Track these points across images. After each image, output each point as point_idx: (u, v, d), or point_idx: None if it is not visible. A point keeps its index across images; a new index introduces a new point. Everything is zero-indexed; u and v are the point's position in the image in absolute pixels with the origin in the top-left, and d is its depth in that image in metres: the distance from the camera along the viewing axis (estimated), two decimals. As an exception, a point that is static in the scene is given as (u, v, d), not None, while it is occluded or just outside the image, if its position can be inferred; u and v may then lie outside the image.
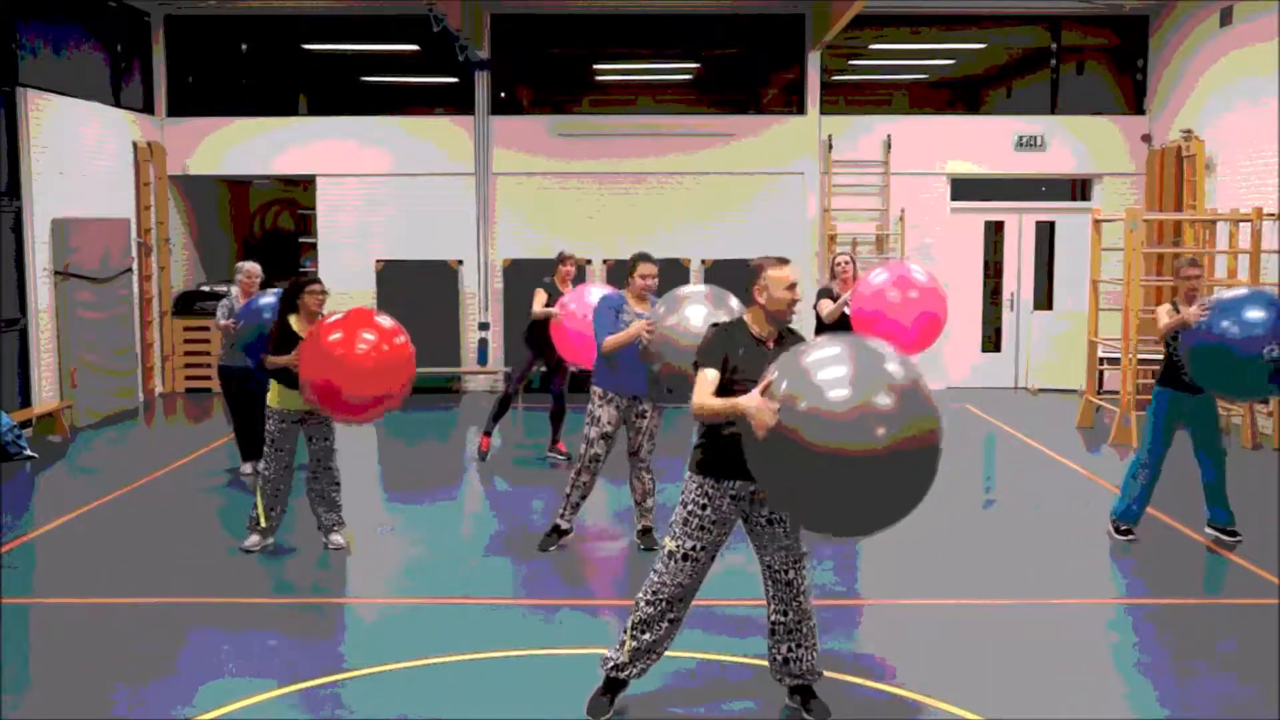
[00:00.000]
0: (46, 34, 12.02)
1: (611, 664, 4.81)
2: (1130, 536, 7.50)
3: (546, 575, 6.93)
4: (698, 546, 4.67)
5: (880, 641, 5.89)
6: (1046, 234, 14.55)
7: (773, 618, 4.83)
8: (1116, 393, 11.91)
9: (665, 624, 4.76)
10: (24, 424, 10.75)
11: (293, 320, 7.15)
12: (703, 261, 14.06)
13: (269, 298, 8.45)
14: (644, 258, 7.25)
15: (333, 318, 6.80)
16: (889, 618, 6.27)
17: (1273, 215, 11.09)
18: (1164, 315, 7.34)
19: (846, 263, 8.90)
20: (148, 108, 14.06)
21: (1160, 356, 7.57)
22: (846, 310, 8.76)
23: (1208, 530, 7.59)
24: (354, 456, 11.03)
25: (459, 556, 7.51)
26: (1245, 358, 6.68)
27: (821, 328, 8.88)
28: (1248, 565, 7.06)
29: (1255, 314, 6.74)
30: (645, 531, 7.36)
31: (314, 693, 5.18)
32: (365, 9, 14.18)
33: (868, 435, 3.87)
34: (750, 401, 4.18)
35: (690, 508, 4.68)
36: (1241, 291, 7.11)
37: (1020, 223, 14.58)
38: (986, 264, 14.63)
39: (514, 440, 11.10)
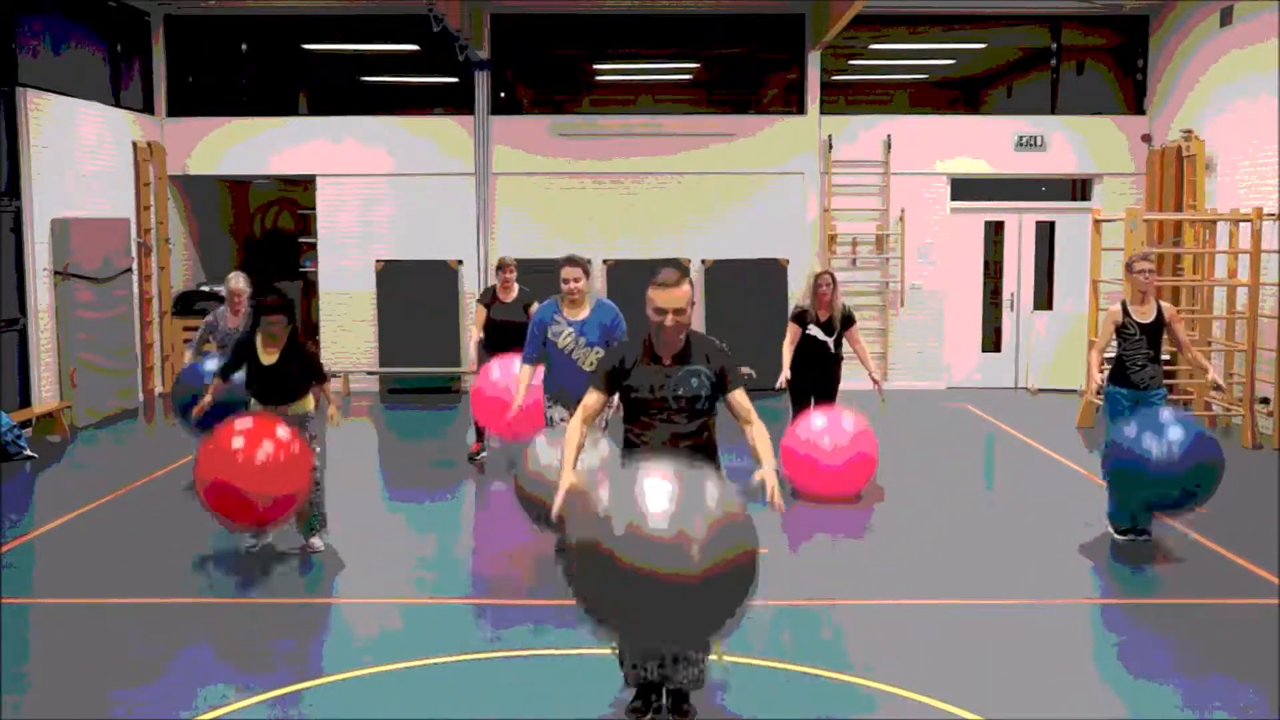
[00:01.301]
0: (46, 33, 12.02)
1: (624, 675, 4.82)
2: (1128, 537, 7.49)
3: (546, 575, 6.92)
4: None
5: (880, 641, 5.89)
6: (1046, 234, 14.55)
7: None
8: (1116, 393, 11.89)
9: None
10: (24, 424, 10.75)
11: (258, 340, 7.19)
12: (703, 261, 14.07)
13: (212, 364, 8.37)
14: (566, 260, 7.29)
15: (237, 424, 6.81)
16: (888, 618, 6.27)
17: (1273, 215, 11.09)
18: (1108, 324, 7.54)
19: (828, 283, 8.89)
20: (147, 107, 14.06)
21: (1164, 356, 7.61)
22: (819, 335, 8.82)
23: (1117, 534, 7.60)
24: (354, 456, 11.04)
25: (458, 556, 7.51)
26: (1160, 476, 6.85)
27: (807, 337, 8.91)
28: (1248, 565, 7.06)
29: (1174, 434, 6.89)
30: None
31: (314, 693, 5.18)
32: (365, 9, 14.18)
33: (683, 560, 3.84)
34: (564, 483, 4.56)
35: None
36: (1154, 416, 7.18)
37: (1020, 223, 14.58)
38: (986, 264, 14.63)
39: (512, 440, 11.08)
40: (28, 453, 10.26)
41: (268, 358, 7.19)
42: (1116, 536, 7.51)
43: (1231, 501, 7.51)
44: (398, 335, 14.11)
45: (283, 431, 6.77)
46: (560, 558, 7.32)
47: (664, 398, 4.63)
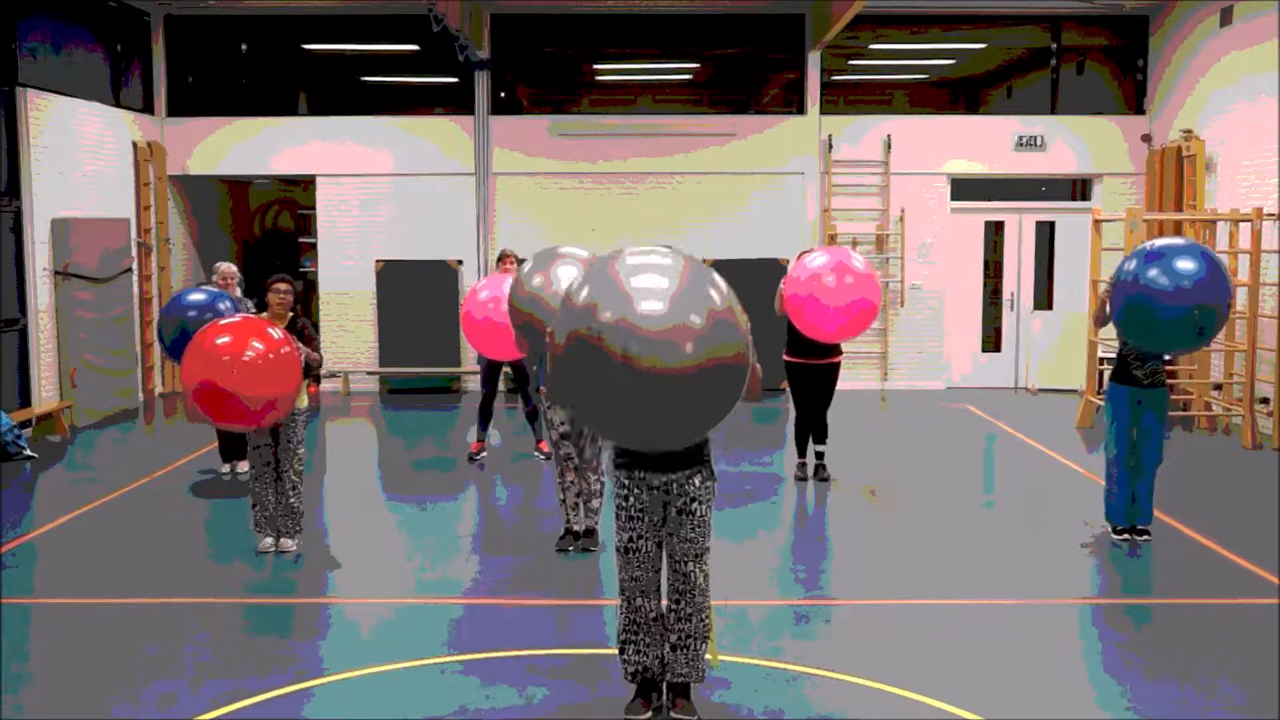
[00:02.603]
0: (46, 34, 12.02)
1: (623, 670, 4.84)
2: (1124, 536, 7.49)
3: (545, 575, 6.92)
4: (633, 537, 4.75)
5: (879, 641, 5.89)
6: (1046, 234, 14.55)
7: (667, 607, 4.83)
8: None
9: (636, 619, 4.77)
10: (24, 424, 10.75)
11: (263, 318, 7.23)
12: (703, 261, 14.03)
13: (198, 294, 8.41)
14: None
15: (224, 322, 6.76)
16: (888, 617, 6.27)
17: (1273, 215, 11.09)
18: (1104, 297, 7.46)
19: None
20: (147, 108, 14.06)
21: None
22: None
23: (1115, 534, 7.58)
24: (354, 456, 11.04)
25: (458, 557, 7.51)
26: (1172, 313, 6.70)
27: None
28: (1248, 565, 7.06)
29: (1184, 265, 6.74)
30: (588, 533, 7.40)
31: (314, 693, 5.18)
32: (365, 9, 14.18)
33: (676, 353, 3.80)
34: None
35: (618, 502, 4.79)
36: (1168, 242, 7.06)
37: (1020, 223, 14.58)
38: (986, 264, 14.63)
39: (513, 440, 11.08)
40: (28, 453, 10.26)
41: None
42: (1114, 536, 7.51)
43: (1232, 501, 7.52)
44: (398, 335, 14.11)
45: (273, 331, 6.72)
46: (560, 543, 7.35)
47: None
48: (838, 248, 8.65)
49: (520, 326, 6.59)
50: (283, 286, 7.23)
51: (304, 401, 7.41)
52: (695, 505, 4.74)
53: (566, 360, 4.00)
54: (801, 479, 9.25)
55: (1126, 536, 7.48)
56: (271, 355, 6.55)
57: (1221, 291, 6.77)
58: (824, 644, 5.82)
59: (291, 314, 7.35)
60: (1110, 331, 7.81)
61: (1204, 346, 6.98)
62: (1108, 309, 7.25)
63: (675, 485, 4.72)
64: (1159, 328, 6.85)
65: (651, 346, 3.81)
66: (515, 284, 6.60)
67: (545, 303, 6.15)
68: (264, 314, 7.30)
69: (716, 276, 4.18)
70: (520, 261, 9.92)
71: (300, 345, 7.02)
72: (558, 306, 4.30)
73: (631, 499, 4.74)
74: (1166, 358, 7.77)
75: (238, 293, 9.23)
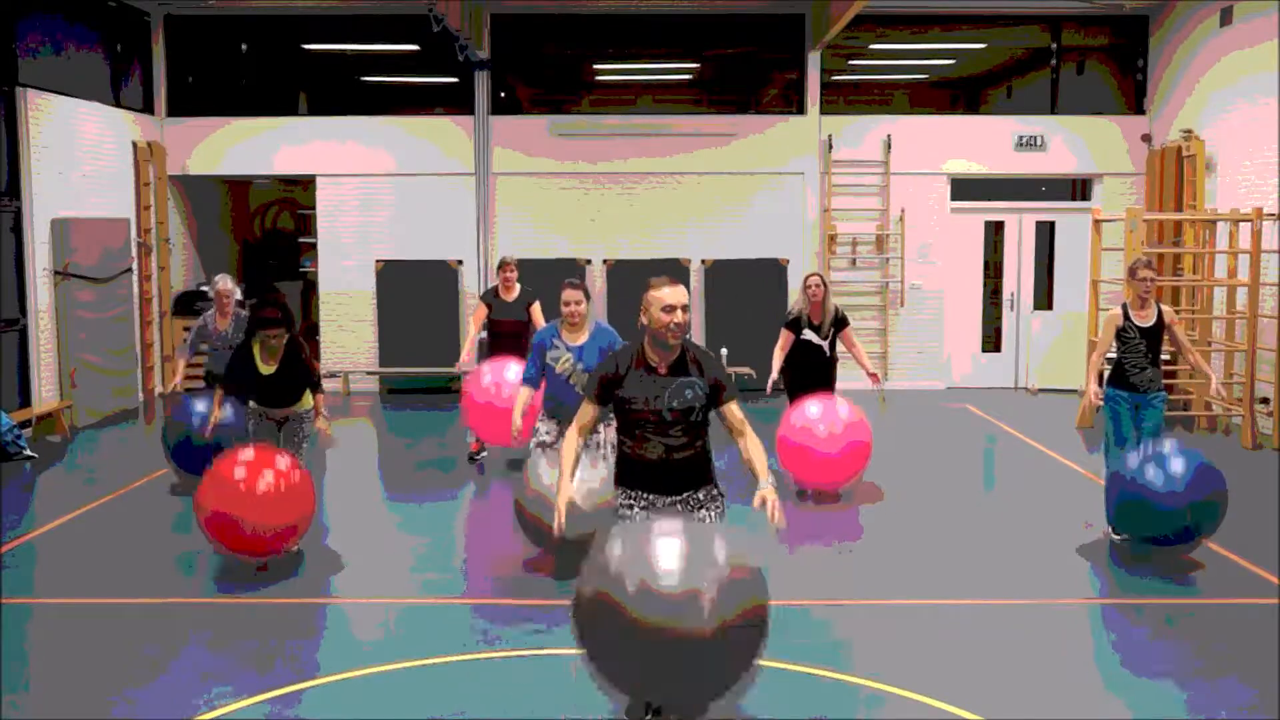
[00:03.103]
0: (46, 34, 12.02)
1: None
2: (1124, 536, 7.49)
3: (544, 575, 6.92)
4: None
5: (880, 641, 5.89)
6: (1046, 234, 14.55)
7: None
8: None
9: None
10: (24, 424, 10.75)
11: (255, 348, 7.22)
12: (703, 261, 14.07)
13: (202, 405, 8.40)
14: (567, 284, 7.31)
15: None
16: (888, 617, 6.27)
17: (1273, 215, 11.09)
18: (1109, 328, 7.57)
19: (817, 285, 8.96)
20: (147, 108, 14.06)
21: (1164, 356, 7.61)
22: (814, 339, 8.86)
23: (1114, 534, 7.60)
24: (354, 456, 11.04)
25: (458, 556, 7.51)
26: (1165, 510, 6.81)
27: (799, 341, 8.94)
28: (1248, 565, 7.06)
29: (1175, 467, 6.85)
30: None
31: (314, 693, 5.18)
32: (365, 9, 14.18)
33: (695, 616, 3.87)
34: (562, 497, 4.67)
35: (620, 514, 4.79)
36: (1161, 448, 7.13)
37: (1020, 223, 14.58)
38: (986, 264, 14.63)
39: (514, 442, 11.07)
40: (28, 453, 10.26)
41: (266, 368, 7.25)
42: (1115, 537, 7.51)
43: (1232, 501, 7.51)
44: (398, 335, 14.11)
45: (283, 461, 6.75)
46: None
47: (659, 410, 4.60)
48: (829, 400, 8.76)
49: (525, 526, 6.76)
50: (273, 332, 7.17)
51: (309, 401, 7.43)
52: (702, 512, 4.74)
53: (593, 618, 4.08)
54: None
55: (1127, 537, 7.48)
56: (284, 485, 6.62)
57: (1213, 487, 6.87)
58: (824, 644, 5.81)
59: (289, 339, 7.29)
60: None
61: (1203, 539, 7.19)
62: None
63: (681, 505, 4.72)
64: (1151, 521, 6.93)
65: (671, 608, 3.88)
66: (524, 480, 6.75)
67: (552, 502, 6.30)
68: (255, 339, 7.24)
69: (722, 542, 4.19)
70: (518, 265, 9.99)
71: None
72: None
73: (639, 516, 4.72)
74: (1165, 359, 7.80)
75: (233, 310, 9.14)
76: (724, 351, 13.72)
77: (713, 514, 4.76)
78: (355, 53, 15.22)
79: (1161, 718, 4.95)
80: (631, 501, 4.75)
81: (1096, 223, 12.04)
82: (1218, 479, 6.91)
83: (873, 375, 9.21)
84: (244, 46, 14.74)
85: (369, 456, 11.38)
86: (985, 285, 14.65)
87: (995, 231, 14.60)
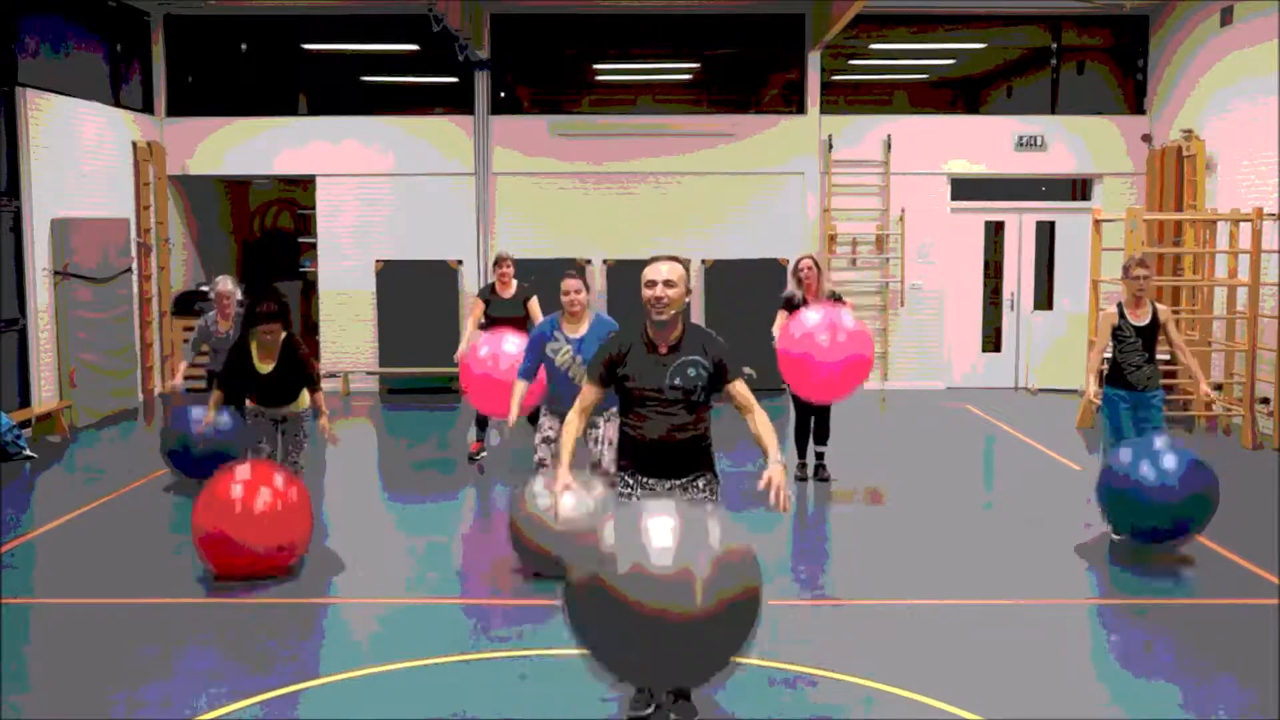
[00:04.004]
0: (46, 33, 12.02)
1: None
2: (1124, 537, 7.49)
3: (544, 576, 6.91)
4: None
5: (880, 641, 5.89)
6: (1046, 234, 14.55)
7: None
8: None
9: None
10: (24, 424, 10.75)
11: (252, 347, 7.20)
12: (703, 261, 14.06)
13: (199, 412, 8.37)
14: (567, 274, 7.30)
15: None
16: (889, 618, 6.26)
17: (1273, 215, 11.09)
18: (1105, 328, 7.60)
19: (810, 267, 8.93)
20: (147, 107, 14.06)
21: (1164, 356, 7.62)
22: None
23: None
24: (354, 456, 11.03)
25: (458, 557, 7.51)
26: (1157, 505, 6.83)
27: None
28: (1248, 565, 7.06)
29: (1167, 463, 6.87)
30: None
31: (314, 693, 5.18)
32: (365, 9, 14.18)
33: (687, 598, 3.84)
34: (560, 483, 4.82)
35: (619, 500, 4.86)
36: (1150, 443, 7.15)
37: (1020, 223, 14.58)
38: (986, 264, 14.63)
39: (512, 440, 11.08)
40: (28, 453, 10.26)
41: (264, 365, 7.22)
42: (1115, 536, 7.51)
43: (1232, 501, 7.51)
44: (398, 335, 14.11)
45: (279, 479, 6.72)
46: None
47: (660, 388, 4.63)
48: (832, 307, 8.59)
49: (520, 549, 6.78)
50: (269, 328, 7.14)
51: (305, 402, 7.42)
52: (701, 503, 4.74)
53: (582, 599, 4.05)
54: (801, 479, 9.25)
55: (1127, 536, 7.47)
56: (280, 505, 6.57)
57: (1204, 482, 6.86)
58: (824, 644, 5.81)
59: (286, 336, 7.27)
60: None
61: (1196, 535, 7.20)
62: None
63: (679, 490, 4.75)
64: (1143, 515, 6.94)
65: (664, 591, 3.85)
66: (518, 500, 6.74)
67: (549, 527, 6.30)
68: (252, 336, 7.23)
69: (716, 522, 4.14)
70: (515, 263, 9.98)
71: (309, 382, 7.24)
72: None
73: (632, 498, 4.77)
74: (1164, 358, 7.81)
75: (234, 311, 9.12)
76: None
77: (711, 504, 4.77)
78: (355, 53, 15.22)
79: (1161, 718, 4.95)
80: (631, 486, 4.78)
81: (1097, 223, 12.04)
82: (1209, 475, 6.92)
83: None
84: (244, 46, 14.74)
85: (369, 456, 11.38)
86: (985, 285, 14.65)
87: (995, 231, 14.60)
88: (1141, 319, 7.52)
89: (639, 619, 3.83)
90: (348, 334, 14.39)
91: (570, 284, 7.20)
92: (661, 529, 3.98)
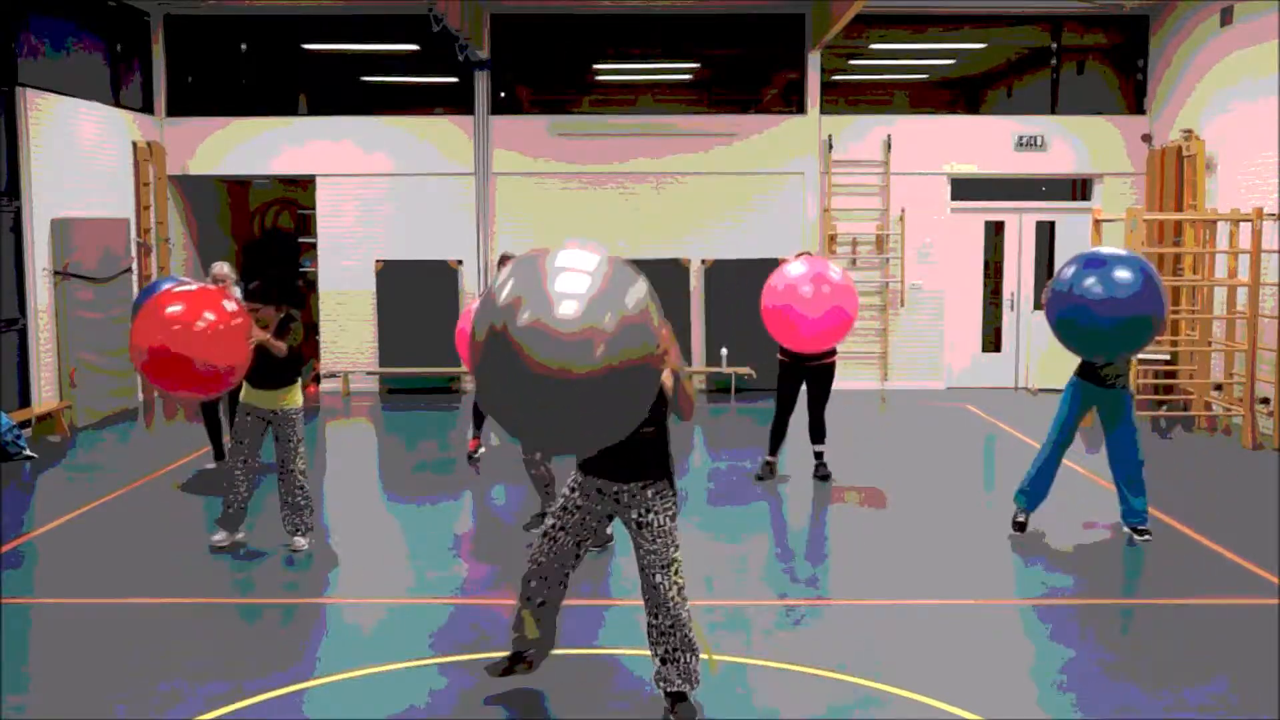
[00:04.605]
0: (46, 33, 12.02)
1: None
2: (1144, 538, 7.47)
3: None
4: (557, 525, 4.88)
5: (880, 641, 5.89)
6: (1046, 234, 14.55)
7: (647, 620, 4.84)
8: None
9: (527, 594, 4.97)
10: (24, 424, 10.75)
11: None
12: (703, 261, 14.07)
13: (170, 283, 8.37)
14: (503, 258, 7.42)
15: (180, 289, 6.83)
16: (889, 618, 6.27)
17: (1273, 215, 11.09)
18: None
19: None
20: (147, 108, 14.06)
21: (1164, 356, 7.61)
22: None
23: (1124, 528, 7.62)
24: (354, 456, 11.04)
25: (457, 557, 7.51)
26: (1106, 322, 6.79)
27: None
28: (1248, 565, 7.06)
29: (1121, 275, 6.82)
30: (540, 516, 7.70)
31: (314, 693, 5.18)
32: (365, 9, 14.18)
33: (587, 355, 3.73)
34: None
35: (564, 491, 4.93)
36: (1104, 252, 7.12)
37: (1020, 223, 14.58)
38: (986, 264, 14.63)
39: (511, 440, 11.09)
40: (28, 453, 10.26)
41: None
42: (1139, 538, 7.48)
43: (1232, 501, 7.52)
44: (398, 335, 14.11)
45: (226, 301, 6.75)
46: (533, 523, 7.42)
47: None
48: (817, 259, 8.71)
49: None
50: (254, 305, 7.13)
51: (299, 399, 7.38)
52: (652, 517, 4.78)
53: (483, 359, 3.96)
54: (761, 478, 9.21)
55: (1149, 538, 7.46)
56: (222, 326, 6.58)
57: (1156, 303, 6.82)
58: (823, 644, 5.81)
59: (283, 317, 7.24)
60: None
61: (1144, 348, 7.14)
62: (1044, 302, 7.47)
63: (627, 495, 4.78)
64: (1092, 337, 6.93)
65: (562, 349, 3.75)
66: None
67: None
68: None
69: (640, 282, 4.07)
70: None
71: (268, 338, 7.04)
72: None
73: (576, 494, 4.86)
74: (1158, 359, 7.80)
75: (235, 293, 9.17)
76: (724, 352, 13.74)
77: (662, 517, 4.78)
78: (355, 53, 15.22)
79: (1160, 717, 4.95)
80: (575, 487, 4.86)
81: (1097, 223, 12.03)
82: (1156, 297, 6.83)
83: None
84: (244, 46, 14.74)
85: (369, 457, 11.38)
86: (985, 285, 14.65)
87: (995, 231, 14.60)
88: None
89: (535, 374, 3.73)
90: (348, 334, 14.39)
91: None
92: (569, 282, 3.86)
